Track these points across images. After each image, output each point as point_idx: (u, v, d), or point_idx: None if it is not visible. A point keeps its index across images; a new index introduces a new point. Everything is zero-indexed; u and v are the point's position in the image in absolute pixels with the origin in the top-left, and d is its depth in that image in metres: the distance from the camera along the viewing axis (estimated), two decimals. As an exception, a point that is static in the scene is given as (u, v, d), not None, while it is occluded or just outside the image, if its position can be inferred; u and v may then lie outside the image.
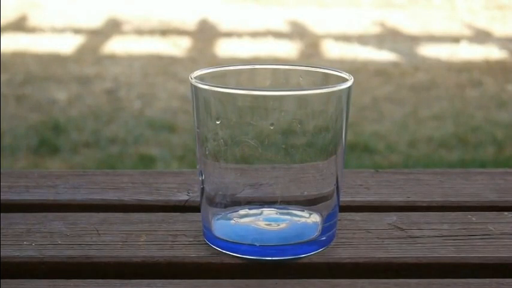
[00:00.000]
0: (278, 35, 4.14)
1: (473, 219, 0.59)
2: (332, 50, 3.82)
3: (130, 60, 3.54)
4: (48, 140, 2.39)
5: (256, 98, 0.51)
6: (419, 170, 0.70)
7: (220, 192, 0.53)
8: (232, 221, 0.54)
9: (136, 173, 0.69)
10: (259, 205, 0.53)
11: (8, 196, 0.63)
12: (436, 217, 0.59)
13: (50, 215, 0.60)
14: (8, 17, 4.50)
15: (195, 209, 0.60)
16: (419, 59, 3.66)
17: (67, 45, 3.83)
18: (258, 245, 0.52)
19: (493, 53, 3.78)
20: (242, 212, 0.54)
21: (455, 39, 4.08)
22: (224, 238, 0.53)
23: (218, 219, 0.54)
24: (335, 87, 0.52)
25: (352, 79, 0.53)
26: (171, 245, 0.55)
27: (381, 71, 3.36)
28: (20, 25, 4.35)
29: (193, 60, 3.58)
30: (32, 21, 4.44)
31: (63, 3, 4.96)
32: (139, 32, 4.19)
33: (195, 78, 0.53)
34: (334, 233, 0.55)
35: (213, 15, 4.68)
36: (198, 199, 0.55)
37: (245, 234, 0.53)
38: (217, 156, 0.52)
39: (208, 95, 0.51)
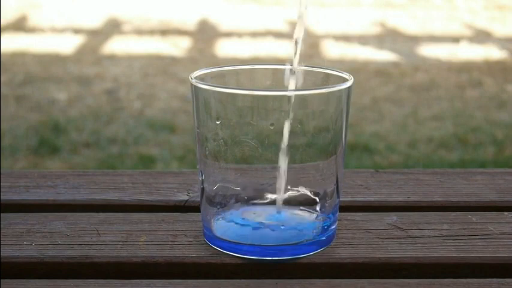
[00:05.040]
0: (278, 35, 4.14)
1: (473, 219, 0.59)
2: (332, 50, 3.82)
3: (130, 60, 3.54)
4: (48, 140, 2.39)
5: (256, 98, 0.51)
6: (419, 170, 0.70)
7: (220, 192, 0.53)
8: (232, 221, 0.54)
9: (136, 173, 0.69)
10: (259, 205, 0.53)
11: (8, 196, 0.63)
12: (436, 217, 0.59)
13: (50, 215, 0.60)
14: (8, 17, 4.50)
15: (195, 209, 0.60)
16: (419, 59, 3.66)
17: (67, 45, 3.83)
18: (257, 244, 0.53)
19: (493, 53, 3.78)
20: (242, 212, 0.54)
21: (455, 39, 4.08)
22: (224, 238, 0.53)
23: (218, 219, 0.54)
24: (335, 87, 0.52)
25: (352, 79, 0.53)
26: (171, 245, 0.55)
27: (381, 71, 3.36)
28: (20, 25, 4.35)
29: (193, 60, 3.58)
30: (32, 21, 4.44)
31: (63, 3, 4.96)
32: (139, 32, 4.19)
33: (195, 78, 0.53)
34: (334, 233, 0.55)
35: (213, 15, 4.68)
36: (198, 199, 0.55)
37: (245, 234, 0.53)
38: (217, 156, 0.52)
39: (208, 95, 0.51)
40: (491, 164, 2.25)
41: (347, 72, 0.54)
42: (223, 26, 4.39)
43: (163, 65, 3.47)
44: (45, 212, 0.60)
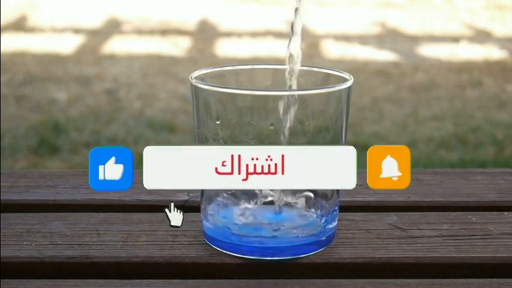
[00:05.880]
0: (278, 35, 4.14)
1: (473, 219, 0.59)
2: (332, 50, 3.82)
3: (130, 60, 3.54)
4: (48, 140, 2.39)
5: (256, 98, 0.51)
6: (419, 170, 0.70)
7: (220, 192, 0.53)
8: (232, 221, 0.54)
9: (136, 173, 0.69)
10: (260, 205, 0.53)
11: (8, 196, 0.63)
12: (436, 217, 0.59)
13: (50, 215, 0.60)
14: (8, 17, 4.50)
15: (195, 209, 0.60)
16: (419, 59, 3.66)
17: (67, 45, 3.83)
18: (256, 236, 0.53)
19: (493, 53, 3.78)
20: (242, 211, 0.54)
21: (455, 39, 4.07)
22: (224, 238, 0.53)
23: (218, 219, 0.54)
24: (335, 87, 0.52)
25: (352, 79, 0.53)
26: (171, 245, 0.55)
27: (381, 71, 3.37)
28: (20, 25, 4.35)
29: (193, 60, 3.58)
30: (32, 21, 4.44)
31: (63, 3, 4.96)
32: (139, 32, 4.19)
33: (195, 78, 0.53)
34: (334, 233, 0.55)
35: (213, 15, 4.68)
36: (198, 199, 0.55)
37: (245, 234, 0.53)
38: (217, 156, 0.52)
39: (208, 95, 0.52)
40: (491, 164, 2.25)
41: (347, 72, 0.54)
42: (223, 26, 4.39)
43: (163, 65, 3.47)
44: (45, 212, 0.60)
